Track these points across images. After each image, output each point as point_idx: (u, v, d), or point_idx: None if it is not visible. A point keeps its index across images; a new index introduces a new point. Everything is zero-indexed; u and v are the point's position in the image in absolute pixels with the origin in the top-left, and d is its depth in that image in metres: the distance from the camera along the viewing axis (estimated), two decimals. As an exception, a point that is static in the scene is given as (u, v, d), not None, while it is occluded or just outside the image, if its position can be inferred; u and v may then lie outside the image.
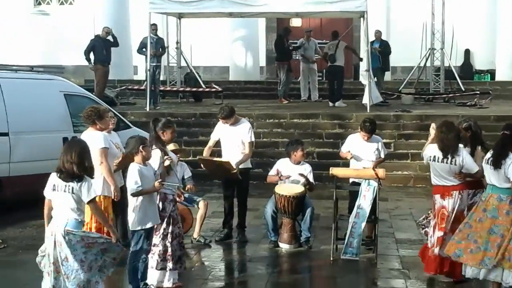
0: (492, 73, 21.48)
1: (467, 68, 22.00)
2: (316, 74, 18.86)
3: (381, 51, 18.21)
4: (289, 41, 18.24)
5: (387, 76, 20.09)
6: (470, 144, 7.25)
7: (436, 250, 6.98)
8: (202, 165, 8.74)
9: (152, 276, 6.70)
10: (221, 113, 8.55)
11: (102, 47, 16.54)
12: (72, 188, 5.53)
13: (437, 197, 7.12)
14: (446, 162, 6.97)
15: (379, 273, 7.52)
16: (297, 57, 19.18)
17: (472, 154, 7.13)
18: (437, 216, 7.09)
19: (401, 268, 7.57)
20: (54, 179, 5.63)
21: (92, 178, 5.67)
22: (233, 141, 8.57)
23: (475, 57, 22.34)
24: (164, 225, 6.75)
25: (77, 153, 5.55)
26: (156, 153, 6.75)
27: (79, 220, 5.63)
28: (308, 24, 21.48)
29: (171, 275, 6.81)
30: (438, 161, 7.03)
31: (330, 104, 17.13)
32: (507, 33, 20.35)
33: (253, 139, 8.73)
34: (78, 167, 5.53)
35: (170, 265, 6.77)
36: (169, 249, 6.75)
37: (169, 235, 6.77)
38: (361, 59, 16.54)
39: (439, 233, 7.02)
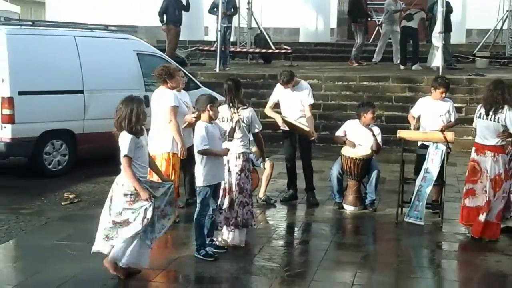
0: None
1: (546, 31, 21.20)
2: (399, 36, 18.11)
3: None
4: (366, 2, 17.85)
5: (461, 38, 19.57)
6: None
7: (468, 202, 7.33)
8: (280, 124, 8.74)
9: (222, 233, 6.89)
10: (282, 78, 8.54)
11: (174, 8, 16.70)
12: (118, 142, 5.80)
13: (473, 150, 7.36)
14: (489, 119, 7.10)
15: (443, 237, 7.48)
16: (374, 19, 18.79)
17: None
18: (468, 168, 7.37)
19: (466, 233, 7.49)
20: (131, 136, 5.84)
21: (134, 135, 5.78)
22: (293, 104, 8.59)
23: (555, 19, 21.49)
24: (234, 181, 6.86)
25: (128, 110, 5.76)
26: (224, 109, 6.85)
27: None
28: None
29: (239, 234, 6.94)
30: (482, 118, 7.20)
31: (401, 67, 16.83)
32: None
33: (313, 101, 8.73)
34: (121, 123, 5.77)
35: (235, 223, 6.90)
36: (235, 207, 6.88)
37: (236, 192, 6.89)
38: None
39: (468, 185, 7.33)
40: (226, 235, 6.91)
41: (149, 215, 5.74)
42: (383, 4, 18.37)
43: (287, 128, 8.76)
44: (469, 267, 6.64)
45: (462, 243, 7.31)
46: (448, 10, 17.68)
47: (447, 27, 17.64)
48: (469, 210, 7.37)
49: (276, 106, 8.92)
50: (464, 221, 7.47)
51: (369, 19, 18.22)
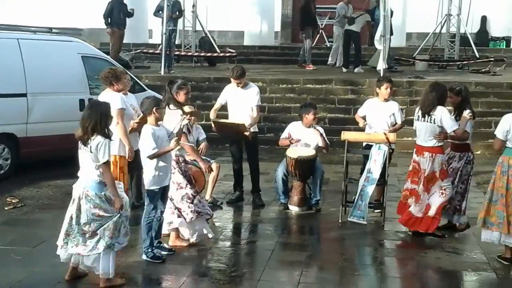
0: (508, 40, 21.42)
1: (483, 35, 21.91)
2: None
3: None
4: (315, 6, 18.05)
5: (401, 42, 20.05)
6: (458, 108, 7.56)
7: (412, 207, 7.47)
8: (214, 128, 8.85)
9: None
10: (234, 73, 8.60)
11: (119, 11, 16.65)
12: (90, 147, 5.71)
13: (414, 151, 7.60)
14: (426, 121, 7.33)
15: (385, 235, 7.70)
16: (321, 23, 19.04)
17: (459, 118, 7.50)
18: (411, 167, 7.59)
19: (407, 231, 7.72)
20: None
21: (108, 139, 5.80)
22: (241, 104, 8.65)
23: (491, 24, 22.24)
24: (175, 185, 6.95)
25: (98, 114, 5.73)
26: (177, 113, 6.91)
27: (98, 180, 5.76)
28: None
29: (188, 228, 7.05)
30: (419, 120, 7.43)
31: (344, 70, 17.14)
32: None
33: (260, 103, 8.84)
34: (94, 127, 5.69)
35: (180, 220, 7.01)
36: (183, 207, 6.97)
37: (185, 197, 6.98)
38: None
39: (410, 185, 7.53)
40: (188, 233, 6.99)
41: (114, 226, 5.78)
42: (328, 8, 18.68)
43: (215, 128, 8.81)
44: (410, 264, 6.84)
45: (403, 241, 7.53)
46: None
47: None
48: (404, 206, 7.61)
49: (223, 108, 8.98)
50: (398, 213, 7.74)
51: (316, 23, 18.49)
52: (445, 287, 6.41)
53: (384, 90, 8.58)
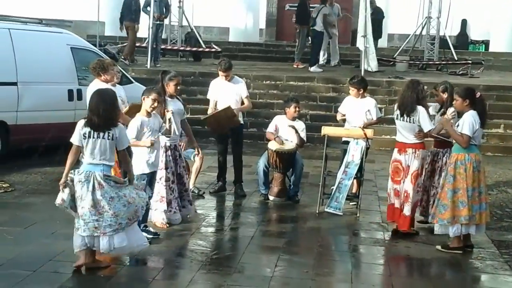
0: (486, 43, 21.92)
1: (462, 38, 22.42)
2: (337, 39, 18.79)
3: (373, 19, 18.27)
4: (310, 5, 18.21)
5: (383, 42, 20.49)
6: (446, 105, 7.80)
7: (396, 203, 7.66)
8: (207, 125, 9.11)
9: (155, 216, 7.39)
10: (221, 66, 8.87)
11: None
12: (112, 135, 5.94)
13: (395, 151, 7.73)
14: (404, 120, 7.53)
15: (360, 226, 8.11)
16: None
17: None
18: (390, 168, 7.75)
19: (380, 222, 8.15)
20: (86, 127, 5.95)
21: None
22: (230, 97, 8.94)
23: (471, 27, 22.75)
24: (159, 170, 7.32)
25: (112, 102, 6.00)
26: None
27: (110, 165, 6.08)
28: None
29: (160, 215, 7.43)
30: (398, 119, 7.62)
31: (310, 68, 17.33)
32: (502, 4, 20.75)
33: (248, 94, 9.18)
34: (114, 115, 5.98)
35: (162, 206, 7.38)
36: (164, 193, 7.35)
37: (162, 179, 7.37)
38: (330, 37, 17.48)
39: (394, 185, 7.69)
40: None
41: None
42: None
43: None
44: (381, 251, 7.26)
45: (377, 231, 7.93)
46: (378, 18, 18.48)
47: (378, 34, 18.38)
48: (394, 209, 7.75)
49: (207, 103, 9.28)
50: (389, 219, 7.86)
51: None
52: (412, 273, 6.86)
53: (353, 93, 8.95)
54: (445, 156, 7.73)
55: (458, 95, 7.12)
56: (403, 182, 7.60)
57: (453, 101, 7.26)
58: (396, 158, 7.69)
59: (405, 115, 7.52)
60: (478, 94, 7.13)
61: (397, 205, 7.67)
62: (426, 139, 7.71)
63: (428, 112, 7.58)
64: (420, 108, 7.50)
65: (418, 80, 7.84)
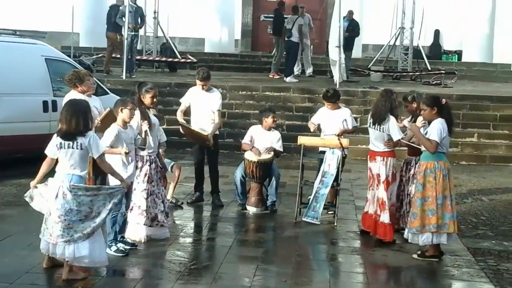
0: (459, 54, 22.22)
1: (436, 48, 22.71)
2: (310, 49, 18.97)
3: (348, 31, 18.37)
4: (284, 17, 18.33)
5: (358, 53, 20.67)
6: (414, 115, 7.88)
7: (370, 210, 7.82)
8: (181, 130, 9.15)
9: (136, 231, 7.31)
10: (200, 74, 8.91)
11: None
12: (81, 144, 5.99)
13: (368, 158, 7.92)
14: (376, 129, 7.71)
15: (337, 235, 8.15)
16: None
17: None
18: (368, 176, 7.94)
19: (357, 231, 8.20)
20: (58, 138, 6.02)
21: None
22: (203, 108, 8.99)
23: (444, 38, 23.07)
24: (141, 183, 7.28)
25: (81, 112, 6.03)
26: (137, 115, 7.22)
27: (82, 175, 6.08)
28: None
29: (145, 231, 7.35)
30: (371, 127, 7.82)
31: (285, 79, 17.44)
32: (474, 15, 21.07)
33: (221, 108, 9.22)
34: (83, 124, 5.99)
35: (145, 221, 7.32)
36: (145, 206, 7.29)
37: (144, 192, 7.31)
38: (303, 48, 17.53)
39: (367, 192, 7.91)
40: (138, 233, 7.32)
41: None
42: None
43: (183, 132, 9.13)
44: (359, 260, 7.29)
45: (354, 240, 7.98)
46: (354, 32, 18.58)
47: (349, 46, 18.51)
48: (366, 216, 7.97)
49: (186, 113, 9.30)
50: (364, 226, 8.03)
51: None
52: (389, 281, 6.91)
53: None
54: (418, 163, 7.80)
55: (425, 104, 7.16)
56: (377, 190, 7.74)
57: (420, 111, 7.31)
58: (368, 165, 7.90)
59: (376, 124, 7.68)
60: (443, 101, 7.20)
61: (370, 211, 7.80)
62: (397, 148, 7.84)
63: (398, 123, 7.71)
64: (390, 118, 7.66)
65: (392, 90, 8.00)
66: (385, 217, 7.65)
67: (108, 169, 6.37)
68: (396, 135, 7.63)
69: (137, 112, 7.23)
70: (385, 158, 7.73)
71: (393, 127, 7.63)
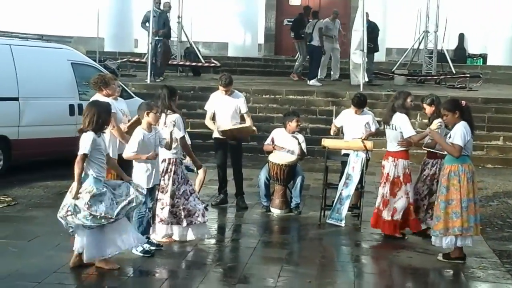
0: (484, 57, 22.02)
1: (460, 51, 22.53)
2: (339, 53, 18.93)
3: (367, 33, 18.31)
4: (308, 20, 18.29)
5: (381, 56, 20.60)
6: (433, 117, 7.85)
7: (385, 214, 7.89)
8: (222, 135, 9.14)
9: (160, 230, 7.36)
10: (222, 81, 8.98)
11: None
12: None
13: (383, 157, 8.06)
14: (388, 128, 7.88)
15: (362, 237, 8.15)
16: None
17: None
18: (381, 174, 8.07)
19: (382, 233, 8.17)
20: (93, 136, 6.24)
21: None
22: (229, 111, 9.06)
23: (469, 41, 22.87)
24: (171, 185, 7.36)
25: (97, 111, 6.28)
26: (171, 118, 7.32)
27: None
28: (307, 3, 21.93)
29: (181, 230, 7.43)
30: (385, 127, 8.00)
31: (308, 82, 17.45)
32: (499, 18, 20.89)
33: (247, 109, 9.28)
34: (98, 123, 6.23)
35: (174, 220, 7.39)
36: (181, 206, 7.38)
37: (179, 193, 7.40)
38: (324, 52, 17.57)
39: (381, 190, 7.99)
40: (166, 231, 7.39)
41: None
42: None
43: (220, 136, 9.18)
44: (383, 262, 7.28)
45: (378, 242, 7.98)
46: (374, 32, 18.50)
47: (375, 47, 18.42)
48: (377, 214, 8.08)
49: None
50: (373, 225, 8.13)
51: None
52: (414, 283, 6.86)
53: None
54: (435, 166, 7.93)
55: (446, 110, 7.06)
56: (383, 187, 7.93)
57: (443, 116, 7.21)
58: (383, 164, 8.05)
59: (388, 123, 7.88)
60: (463, 103, 7.17)
61: (381, 207, 7.95)
62: (413, 149, 7.96)
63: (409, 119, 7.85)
64: (400, 115, 7.77)
65: (404, 91, 8.19)
66: (385, 214, 7.82)
67: (116, 169, 6.74)
68: (407, 132, 7.72)
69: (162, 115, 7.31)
70: (395, 159, 7.86)
71: (404, 124, 7.73)
